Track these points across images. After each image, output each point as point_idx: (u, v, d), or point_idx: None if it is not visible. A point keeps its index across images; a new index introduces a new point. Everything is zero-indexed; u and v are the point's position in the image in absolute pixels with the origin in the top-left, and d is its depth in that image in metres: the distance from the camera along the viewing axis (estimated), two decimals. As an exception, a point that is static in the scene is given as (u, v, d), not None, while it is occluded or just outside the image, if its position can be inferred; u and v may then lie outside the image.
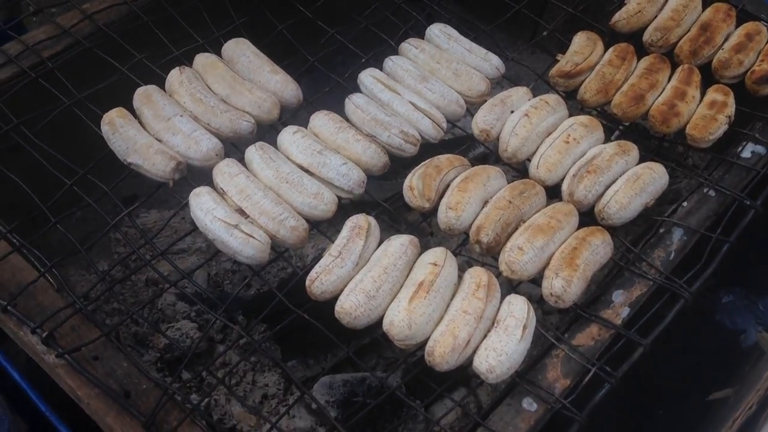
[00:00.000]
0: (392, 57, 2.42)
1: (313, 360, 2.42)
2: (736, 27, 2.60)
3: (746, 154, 2.32)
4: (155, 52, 2.33)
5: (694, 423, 2.36)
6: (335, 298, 1.84)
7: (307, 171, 2.05)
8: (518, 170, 2.31)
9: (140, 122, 2.09)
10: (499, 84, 2.54)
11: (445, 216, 2.02)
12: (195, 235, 2.08)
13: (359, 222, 1.95)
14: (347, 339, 2.04)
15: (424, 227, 2.66)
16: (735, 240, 2.04)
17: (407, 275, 1.88)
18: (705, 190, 2.23)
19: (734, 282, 3.15)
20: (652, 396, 2.85)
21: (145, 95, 2.11)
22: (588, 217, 2.14)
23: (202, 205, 1.90)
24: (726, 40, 2.55)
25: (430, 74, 2.37)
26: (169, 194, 2.13)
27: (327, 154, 2.07)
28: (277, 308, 1.93)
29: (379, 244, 1.95)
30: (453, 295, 1.86)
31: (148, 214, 2.73)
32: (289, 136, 2.12)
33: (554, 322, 2.33)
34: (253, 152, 2.06)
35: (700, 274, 1.97)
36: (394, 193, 2.24)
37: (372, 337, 2.24)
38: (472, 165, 2.19)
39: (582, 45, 2.49)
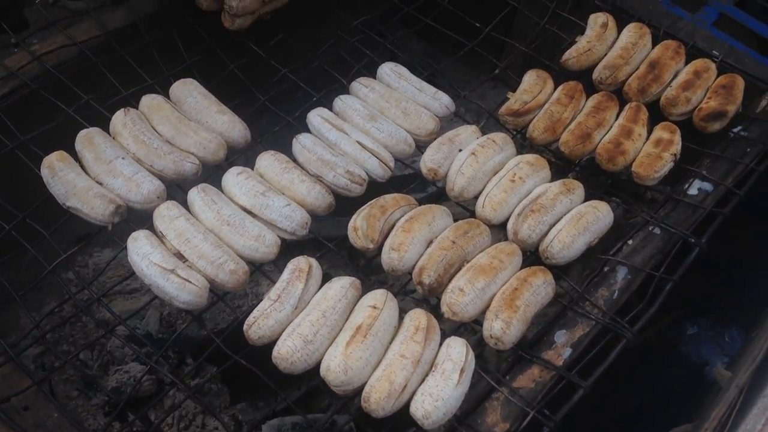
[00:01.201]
0: (342, 96, 2.42)
1: (263, 402, 2.39)
2: (687, 64, 2.61)
3: (693, 191, 2.31)
4: (104, 94, 2.32)
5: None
6: (274, 343, 1.82)
7: (250, 213, 2.04)
8: (468, 209, 2.30)
9: (81, 165, 2.07)
10: (460, 118, 2.54)
11: (387, 257, 2.01)
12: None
13: (300, 264, 1.93)
14: (298, 379, 2.01)
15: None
16: (679, 279, 2.03)
17: (347, 318, 1.87)
18: (650, 228, 2.22)
19: (701, 313, 3.14)
20: (618, 430, 2.83)
21: (86, 138, 2.09)
22: (535, 256, 2.13)
23: (139, 249, 1.88)
24: (675, 77, 2.56)
25: (380, 113, 2.37)
26: (123, 233, 2.10)
27: (270, 195, 2.06)
28: (221, 351, 1.91)
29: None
30: (392, 338, 1.84)
31: (102, 254, 2.71)
32: (233, 177, 2.11)
33: (508, 358, 2.31)
34: (194, 194, 2.05)
35: (644, 314, 1.96)
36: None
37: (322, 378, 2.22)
38: (420, 204, 2.18)
39: (531, 83, 2.50)
